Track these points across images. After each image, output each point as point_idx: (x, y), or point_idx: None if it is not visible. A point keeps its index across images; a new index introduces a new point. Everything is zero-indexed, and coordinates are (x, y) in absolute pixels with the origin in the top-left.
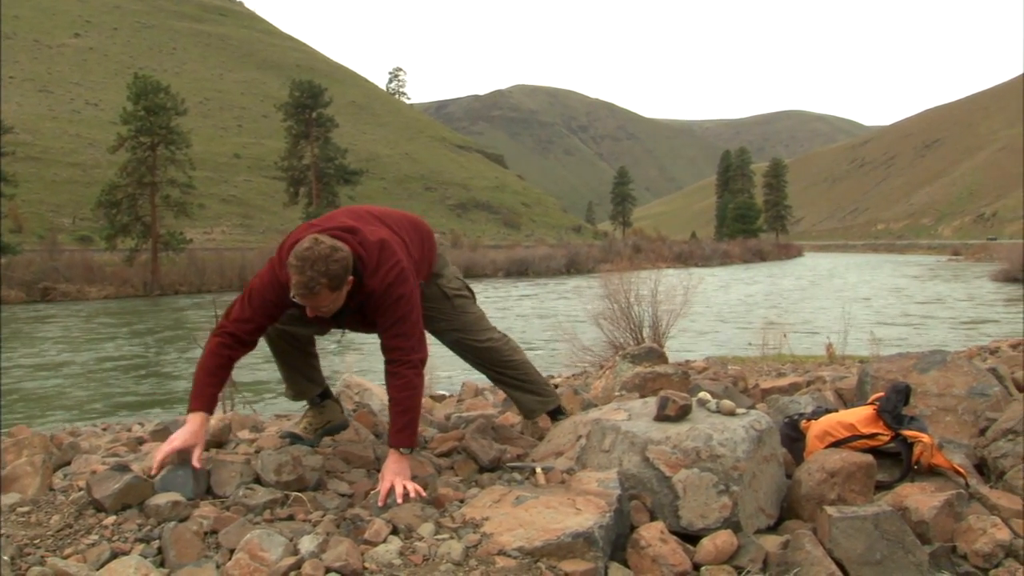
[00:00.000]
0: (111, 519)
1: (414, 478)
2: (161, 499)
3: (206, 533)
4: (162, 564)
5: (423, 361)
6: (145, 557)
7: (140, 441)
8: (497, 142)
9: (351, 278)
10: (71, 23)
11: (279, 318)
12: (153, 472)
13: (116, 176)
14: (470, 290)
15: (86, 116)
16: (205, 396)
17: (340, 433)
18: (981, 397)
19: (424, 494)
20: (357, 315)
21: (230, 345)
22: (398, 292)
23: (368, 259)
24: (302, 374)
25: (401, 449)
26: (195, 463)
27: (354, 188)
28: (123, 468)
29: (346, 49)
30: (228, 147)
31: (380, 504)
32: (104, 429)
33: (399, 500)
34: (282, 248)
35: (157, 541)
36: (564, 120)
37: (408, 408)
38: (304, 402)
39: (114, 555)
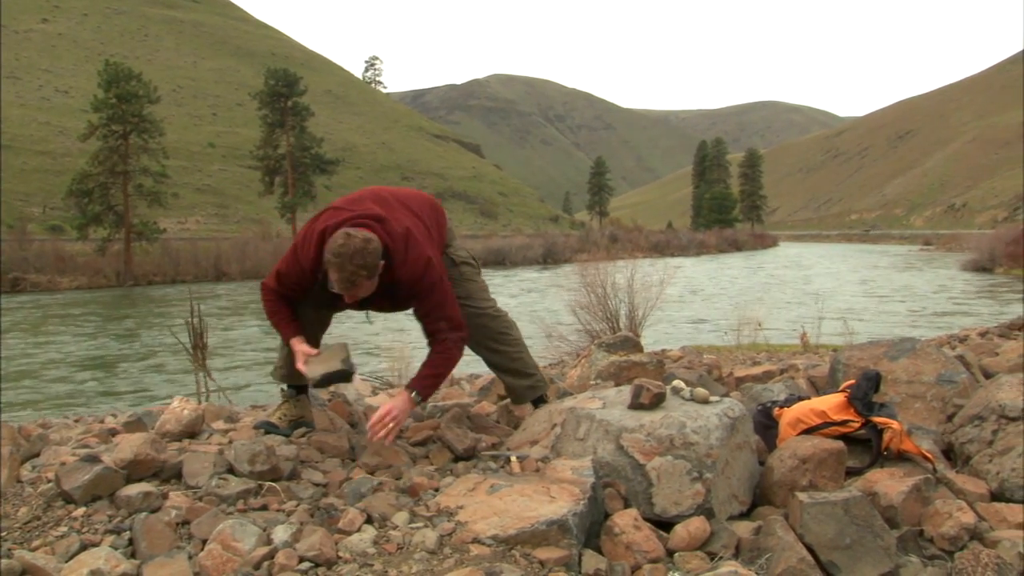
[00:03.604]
0: (81, 511)
1: (388, 467)
2: (132, 490)
3: (178, 524)
4: (133, 555)
5: (464, 340)
6: (115, 548)
7: (112, 432)
8: (474, 132)
9: (382, 262)
10: (39, 8)
11: (309, 293)
12: (312, 383)
13: (87, 165)
14: (476, 260)
15: (56, 103)
16: (292, 327)
17: (313, 425)
18: (949, 384)
19: (390, 440)
20: (385, 298)
21: (281, 298)
22: (429, 281)
23: (395, 249)
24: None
25: (414, 393)
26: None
27: (330, 178)
28: (93, 459)
29: (322, 37)
30: (202, 136)
31: (369, 438)
32: (76, 421)
33: (387, 439)
34: (308, 235)
35: (128, 532)
36: (541, 110)
37: (439, 368)
38: (282, 389)
39: (83, 547)
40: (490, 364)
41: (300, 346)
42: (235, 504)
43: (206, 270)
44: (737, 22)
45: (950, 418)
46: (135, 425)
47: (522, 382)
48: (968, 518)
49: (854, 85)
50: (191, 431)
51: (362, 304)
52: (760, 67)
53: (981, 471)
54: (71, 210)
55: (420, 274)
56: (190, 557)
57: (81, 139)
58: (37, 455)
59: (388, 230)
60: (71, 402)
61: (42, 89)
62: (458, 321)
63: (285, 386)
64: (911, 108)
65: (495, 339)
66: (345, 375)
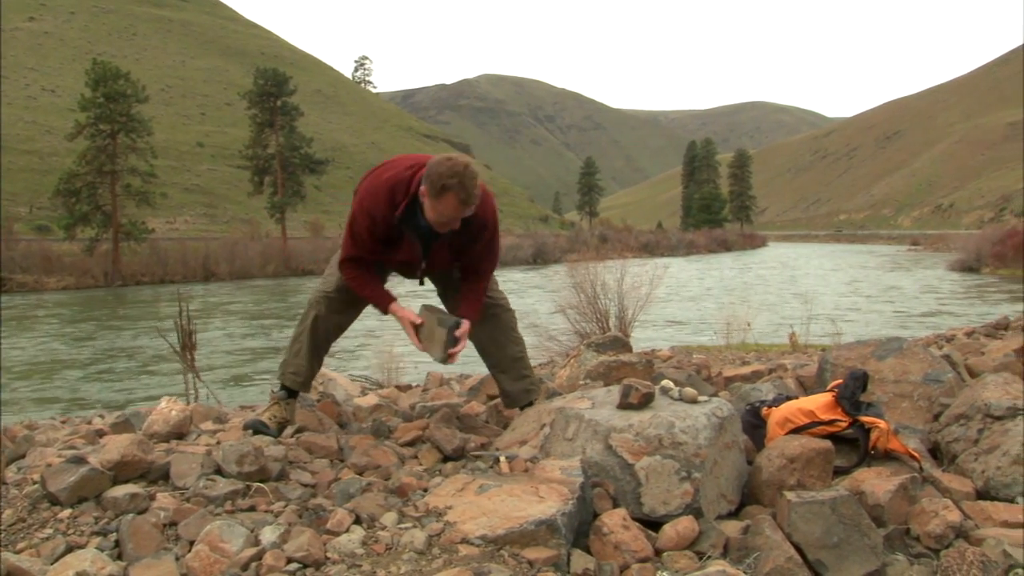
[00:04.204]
0: (66, 512)
1: (377, 468)
2: (118, 491)
3: (165, 525)
4: (119, 557)
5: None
6: (102, 550)
7: (100, 433)
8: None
9: None
10: (25, 6)
11: (381, 253)
12: (420, 346)
13: (75, 164)
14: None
15: (42, 102)
16: (387, 294)
17: (302, 425)
18: (935, 383)
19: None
20: (448, 246)
21: (363, 265)
22: (494, 221)
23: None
24: (318, 362)
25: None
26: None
27: (320, 178)
28: (79, 460)
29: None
30: (191, 135)
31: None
32: (63, 422)
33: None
34: (372, 188)
35: (114, 534)
36: (531, 110)
37: (478, 303)
38: (273, 390)
39: (69, 549)
40: (493, 362)
41: (405, 313)
42: (223, 505)
43: (195, 270)
44: (726, 23)
45: (936, 417)
46: (123, 426)
47: (519, 384)
48: (954, 516)
49: (842, 86)
50: (179, 432)
51: (427, 256)
52: (749, 68)
53: (967, 470)
54: (58, 210)
55: (493, 210)
56: (177, 559)
57: (68, 138)
58: (23, 456)
59: None
60: (58, 403)
61: (28, 88)
62: (494, 267)
63: (278, 387)
64: (899, 109)
65: (505, 333)
66: (454, 339)
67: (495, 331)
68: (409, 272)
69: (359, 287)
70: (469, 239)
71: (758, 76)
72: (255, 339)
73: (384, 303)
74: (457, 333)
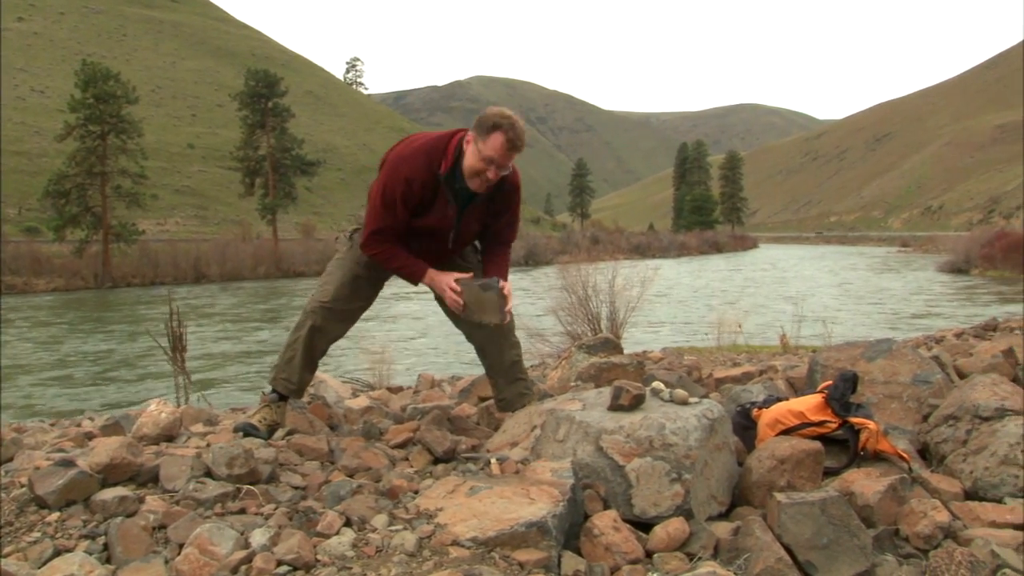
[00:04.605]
0: (54, 516)
1: (368, 470)
2: (107, 494)
3: (154, 528)
4: (108, 561)
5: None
6: (90, 554)
7: (89, 436)
8: None
9: None
10: (14, 7)
11: (410, 222)
12: (462, 306)
13: (64, 165)
14: None
15: (31, 103)
16: (418, 261)
17: (293, 427)
18: (924, 384)
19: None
20: (479, 211)
21: (390, 238)
22: (519, 192)
23: None
24: (310, 372)
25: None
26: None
27: (311, 179)
28: (68, 463)
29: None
30: (182, 137)
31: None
32: (52, 425)
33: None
34: (405, 153)
35: (103, 537)
36: (522, 111)
37: (506, 269)
38: (264, 392)
39: (57, 552)
40: (490, 363)
41: (443, 277)
42: (212, 508)
43: (186, 272)
44: (718, 25)
45: (925, 418)
46: (112, 428)
47: (514, 388)
48: (942, 517)
49: (833, 88)
50: (169, 434)
51: (458, 224)
52: (740, 70)
53: (955, 470)
54: (47, 211)
55: (519, 179)
56: (166, 562)
57: (58, 139)
58: (11, 460)
59: None
60: (47, 406)
61: (18, 89)
62: (515, 238)
63: (269, 389)
64: (888, 111)
65: (505, 336)
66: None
67: (495, 333)
68: (438, 245)
69: (387, 259)
70: (502, 204)
71: (749, 78)
72: (246, 341)
73: (419, 271)
74: (505, 292)
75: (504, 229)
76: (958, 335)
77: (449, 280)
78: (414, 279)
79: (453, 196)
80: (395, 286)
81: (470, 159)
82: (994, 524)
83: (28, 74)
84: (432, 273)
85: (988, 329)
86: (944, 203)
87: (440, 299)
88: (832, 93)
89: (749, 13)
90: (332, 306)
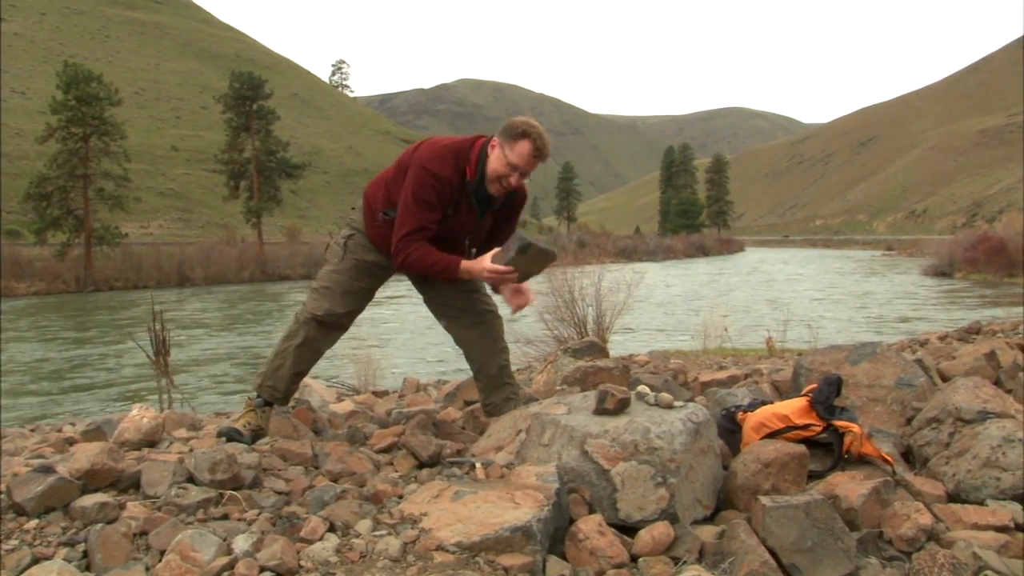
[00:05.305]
0: (33, 523)
1: (352, 475)
2: (87, 501)
3: (135, 535)
4: (88, 568)
5: None
6: (69, 561)
7: (70, 442)
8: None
9: None
10: None
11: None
12: (516, 277)
13: (45, 168)
14: None
15: (12, 105)
16: (453, 256)
17: (277, 432)
18: (908, 387)
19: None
20: (489, 219)
21: (425, 239)
22: (526, 198)
23: None
24: (297, 382)
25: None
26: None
27: (296, 182)
28: (47, 469)
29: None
30: (165, 139)
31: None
32: (32, 430)
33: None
34: (437, 153)
35: (83, 544)
36: (509, 114)
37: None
38: (249, 397)
39: (35, 560)
40: (478, 367)
41: (480, 264)
42: (195, 514)
43: (169, 275)
44: (704, 28)
45: (909, 421)
46: (94, 434)
47: (501, 393)
48: (926, 519)
49: (818, 92)
50: (151, 439)
51: (479, 225)
52: (726, 73)
53: (938, 473)
54: (28, 214)
55: (526, 190)
56: (147, 569)
57: (39, 141)
58: None
59: None
60: (27, 411)
61: None
62: None
63: (254, 395)
64: (873, 115)
65: (495, 340)
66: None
67: (486, 337)
68: (454, 249)
69: (421, 258)
70: (511, 211)
71: (735, 82)
72: (230, 345)
73: (454, 265)
74: (541, 245)
75: (508, 228)
76: (942, 338)
77: (487, 264)
78: (451, 274)
79: (476, 201)
80: (382, 289)
81: (495, 163)
82: (976, 526)
83: (9, 75)
84: (465, 264)
85: (971, 332)
86: (928, 207)
87: (430, 302)
88: (817, 97)
89: (735, 17)
90: (325, 319)
